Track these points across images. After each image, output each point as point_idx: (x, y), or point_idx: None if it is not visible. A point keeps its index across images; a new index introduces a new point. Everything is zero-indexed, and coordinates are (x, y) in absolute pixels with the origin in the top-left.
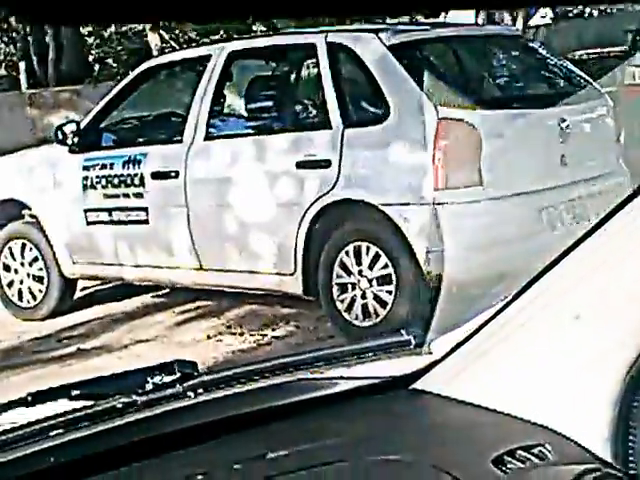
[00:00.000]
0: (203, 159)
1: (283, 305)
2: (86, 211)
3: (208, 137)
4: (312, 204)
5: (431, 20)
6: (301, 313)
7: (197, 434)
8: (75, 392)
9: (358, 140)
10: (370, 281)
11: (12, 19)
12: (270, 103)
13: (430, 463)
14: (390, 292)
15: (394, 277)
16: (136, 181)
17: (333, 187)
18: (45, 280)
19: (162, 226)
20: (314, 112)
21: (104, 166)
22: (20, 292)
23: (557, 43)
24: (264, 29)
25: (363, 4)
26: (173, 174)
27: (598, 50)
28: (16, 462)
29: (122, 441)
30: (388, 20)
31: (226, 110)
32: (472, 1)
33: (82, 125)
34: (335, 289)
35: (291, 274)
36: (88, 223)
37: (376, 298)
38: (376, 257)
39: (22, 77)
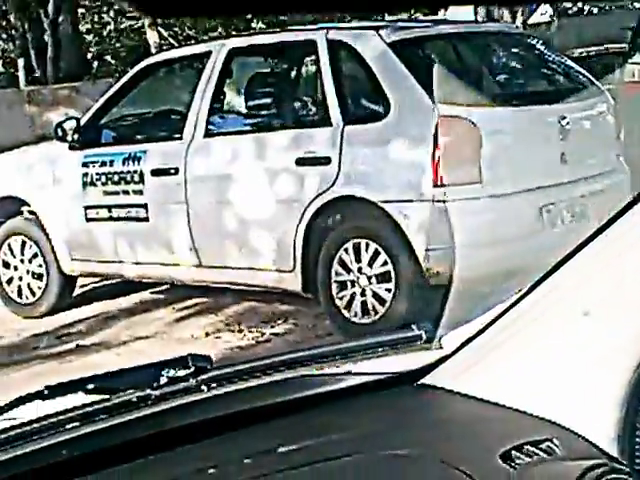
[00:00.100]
0: (203, 156)
1: (282, 302)
2: (86, 208)
3: (208, 134)
4: (312, 201)
5: (431, 17)
6: (300, 310)
7: (209, 428)
8: (91, 386)
9: (358, 137)
10: (369, 278)
11: (11, 16)
12: (270, 100)
13: (438, 458)
14: (389, 290)
15: (393, 274)
16: (136, 178)
17: (333, 184)
18: (44, 277)
19: (162, 223)
20: (314, 109)
21: (104, 163)
22: (19, 289)
23: (557, 41)
24: (263, 26)
25: (363, 1)
26: (173, 171)
27: (598, 48)
28: (32, 455)
29: (136, 434)
30: (387, 17)
31: (226, 107)
32: None
33: (82, 122)
34: (334, 286)
35: (290, 271)
36: (88, 220)
37: (375, 296)
38: (375, 254)
39: (21, 74)
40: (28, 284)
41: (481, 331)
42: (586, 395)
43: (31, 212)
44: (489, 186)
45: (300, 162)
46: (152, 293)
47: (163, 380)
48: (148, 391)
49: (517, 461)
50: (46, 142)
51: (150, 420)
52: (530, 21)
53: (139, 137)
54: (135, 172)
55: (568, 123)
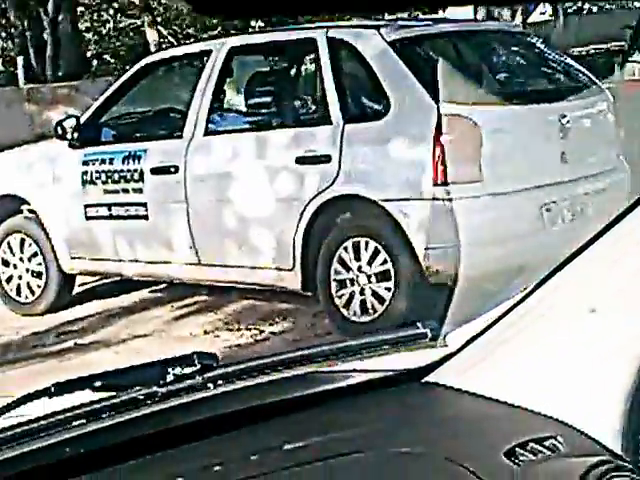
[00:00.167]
0: (203, 154)
1: (281, 301)
2: (85, 206)
3: (208, 132)
4: (312, 199)
5: (431, 16)
6: (298, 309)
7: (215, 425)
8: (97, 383)
9: (358, 135)
10: (369, 277)
11: (10, 14)
12: (270, 98)
13: (443, 455)
14: (388, 289)
15: (393, 273)
16: (136, 176)
17: (333, 182)
18: (44, 275)
19: (161, 221)
20: (314, 107)
21: (104, 161)
22: (19, 287)
23: (556, 39)
24: (262, 25)
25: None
26: (173, 169)
27: (597, 46)
28: (39, 452)
29: (142, 431)
30: (387, 16)
31: (226, 105)
32: None
33: (82, 120)
34: (333, 285)
35: (290, 269)
36: (87, 218)
37: (374, 294)
38: (375, 253)
39: (20, 72)
40: (27, 283)
41: (486, 329)
42: (590, 393)
43: (31, 210)
44: (489, 185)
45: (300, 160)
46: (151, 292)
47: (169, 378)
48: (154, 388)
49: (521, 458)
50: (46, 140)
51: (156, 417)
52: (530, 20)
53: (139, 135)
54: (135, 170)
55: (568, 122)
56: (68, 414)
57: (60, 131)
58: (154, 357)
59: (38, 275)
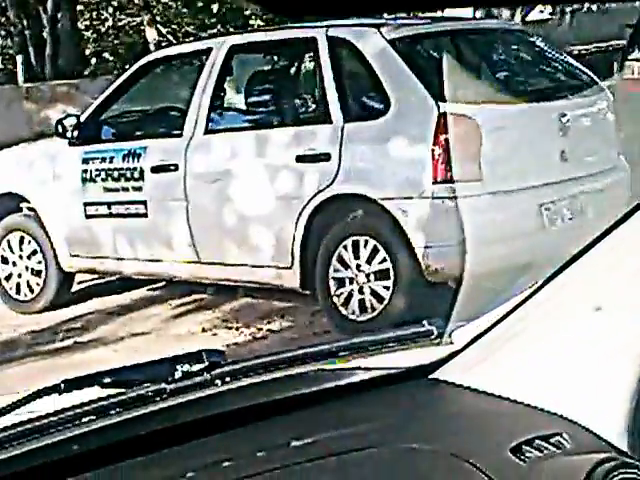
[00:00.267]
0: (203, 153)
1: (279, 299)
2: (85, 204)
3: (208, 131)
4: (311, 198)
5: (431, 14)
6: (297, 307)
7: (223, 422)
8: (106, 380)
9: (358, 134)
10: (368, 276)
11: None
12: (270, 97)
13: (449, 451)
14: (387, 287)
15: (392, 272)
16: (135, 174)
17: (333, 181)
18: (43, 273)
19: (161, 220)
20: (314, 106)
21: (104, 159)
22: (18, 285)
23: (556, 38)
24: (262, 23)
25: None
26: (173, 168)
27: (597, 45)
28: (48, 448)
29: (151, 428)
30: (385, 15)
31: (226, 104)
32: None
33: (82, 118)
34: (332, 283)
35: (289, 268)
36: (87, 216)
37: (373, 293)
38: (374, 251)
39: (19, 71)
40: (27, 280)
41: (491, 327)
42: (596, 390)
43: (30, 208)
44: (489, 183)
45: (300, 159)
46: (149, 290)
47: (177, 375)
48: (163, 385)
49: (527, 455)
50: (46, 138)
51: (164, 414)
52: (528, 18)
53: (139, 134)
54: (135, 169)
55: (568, 120)
56: (77, 410)
57: (60, 129)
58: (153, 355)
59: (37, 273)
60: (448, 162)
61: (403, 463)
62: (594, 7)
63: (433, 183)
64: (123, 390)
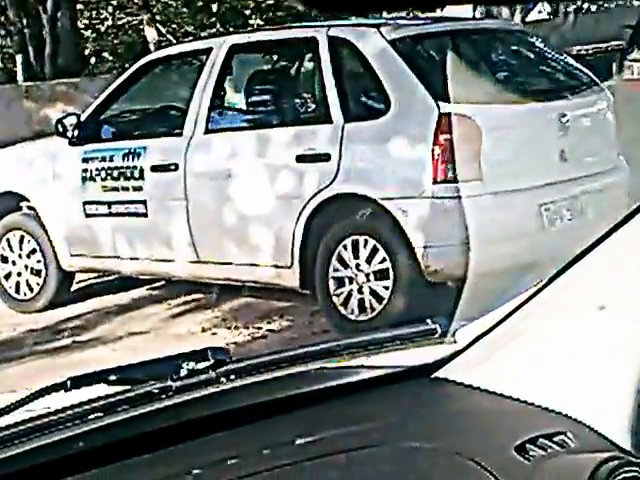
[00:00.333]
0: (203, 152)
1: (278, 299)
2: (85, 203)
3: (208, 130)
4: (311, 197)
5: (430, 14)
6: (296, 307)
7: (228, 419)
8: (112, 377)
9: (358, 134)
10: (367, 275)
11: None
12: (270, 97)
13: (453, 450)
14: (387, 287)
15: (391, 272)
16: (135, 174)
17: (333, 181)
18: (43, 272)
19: (161, 219)
20: (314, 106)
21: (104, 159)
22: (18, 284)
23: (555, 38)
24: (261, 23)
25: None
26: (172, 167)
27: (596, 45)
28: (54, 445)
29: (156, 425)
30: (385, 14)
31: (226, 104)
32: None
33: (82, 118)
34: (332, 283)
35: (288, 267)
36: (87, 215)
37: (373, 293)
38: (374, 251)
39: (19, 70)
40: (26, 279)
41: (495, 325)
42: (599, 389)
43: (30, 207)
44: (489, 183)
45: (300, 159)
46: (148, 289)
47: (183, 372)
48: (168, 383)
49: (531, 453)
50: (46, 138)
51: (170, 411)
52: (528, 18)
53: (139, 133)
54: (135, 168)
55: (568, 121)
56: (83, 408)
57: (60, 128)
58: (151, 355)
59: (37, 272)
60: (448, 162)
61: (406, 461)
62: (593, 7)
63: (433, 183)
64: (129, 387)
